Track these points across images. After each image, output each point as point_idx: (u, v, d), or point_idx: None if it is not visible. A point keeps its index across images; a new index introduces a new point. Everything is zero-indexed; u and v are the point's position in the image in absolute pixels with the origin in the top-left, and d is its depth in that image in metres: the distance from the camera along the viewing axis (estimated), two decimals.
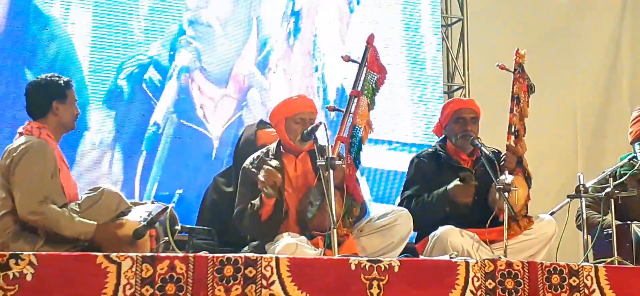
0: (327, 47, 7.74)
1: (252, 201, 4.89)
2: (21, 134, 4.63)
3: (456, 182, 5.19)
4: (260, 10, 7.55)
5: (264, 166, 4.84)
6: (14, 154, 4.48)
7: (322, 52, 7.71)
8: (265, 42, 7.54)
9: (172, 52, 7.25)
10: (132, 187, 6.99)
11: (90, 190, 4.68)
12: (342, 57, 5.14)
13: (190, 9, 7.35)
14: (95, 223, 4.44)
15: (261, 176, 4.79)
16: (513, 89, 5.29)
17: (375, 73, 4.94)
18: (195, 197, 6.58)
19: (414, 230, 5.18)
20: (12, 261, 3.55)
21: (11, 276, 3.54)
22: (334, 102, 7.48)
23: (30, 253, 3.62)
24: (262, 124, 5.88)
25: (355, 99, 4.92)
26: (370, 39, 5.00)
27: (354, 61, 5.00)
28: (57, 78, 4.73)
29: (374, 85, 4.95)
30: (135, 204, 4.78)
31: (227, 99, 7.35)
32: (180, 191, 6.93)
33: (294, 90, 7.43)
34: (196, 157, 7.20)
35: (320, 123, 4.79)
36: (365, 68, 4.94)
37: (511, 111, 5.28)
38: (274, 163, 4.87)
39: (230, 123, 7.33)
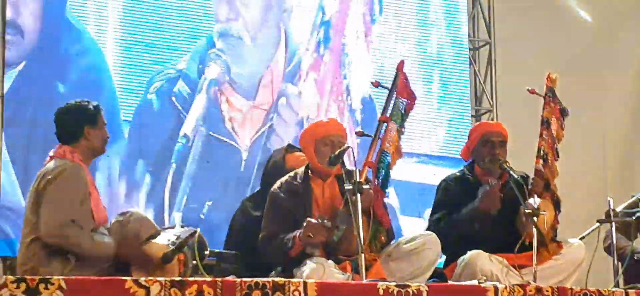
0: (354, 56, 7.74)
1: (284, 236, 4.86)
2: (52, 158, 4.64)
3: (481, 192, 5.19)
4: (289, 21, 7.57)
5: (314, 222, 4.74)
6: (49, 176, 4.49)
7: (350, 60, 7.72)
8: (295, 52, 7.56)
9: (201, 66, 7.27)
10: (162, 199, 7.03)
11: (119, 214, 4.70)
12: (371, 83, 5.19)
13: (220, 21, 7.39)
14: (114, 242, 4.45)
15: (306, 226, 4.74)
16: (543, 113, 5.28)
17: (404, 99, 4.95)
18: (224, 208, 6.66)
19: (443, 253, 5.15)
20: (41, 286, 3.56)
21: None
22: (361, 111, 7.50)
23: (60, 277, 3.64)
24: (290, 148, 5.88)
25: (385, 125, 4.92)
26: (400, 65, 5.01)
27: (384, 87, 5.01)
28: (86, 103, 4.75)
29: (403, 111, 4.96)
30: (164, 228, 4.79)
31: (255, 111, 7.38)
32: (209, 203, 6.99)
33: (324, 98, 7.46)
34: (225, 169, 7.23)
35: (349, 147, 4.79)
36: (394, 94, 4.94)
37: (541, 135, 5.26)
38: (328, 224, 4.77)
39: (260, 134, 7.35)
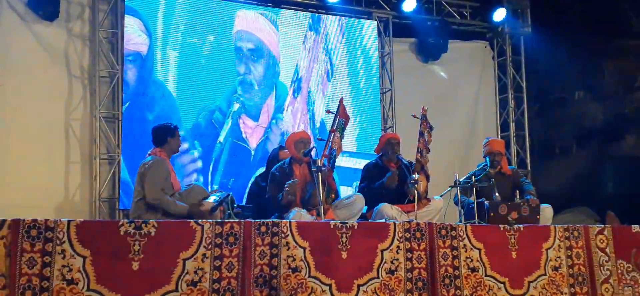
0: (316, 98, 7.70)
1: (278, 194, 4.88)
2: (150, 155, 4.65)
3: (387, 176, 5.20)
4: (278, 78, 7.54)
5: (290, 182, 4.81)
6: (147, 165, 4.50)
7: (313, 100, 7.68)
8: (280, 95, 7.51)
9: (228, 102, 7.22)
10: (207, 177, 6.99)
11: (186, 186, 4.71)
12: (326, 110, 5.20)
13: (240, 74, 7.32)
14: (187, 205, 4.44)
15: (287, 187, 4.77)
16: (420, 128, 5.31)
17: (343, 119, 4.97)
18: (242, 183, 6.74)
19: (366, 205, 5.19)
20: (143, 225, 3.57)
21: (143, 233, 3.55)
22: (318, 129, 7.49)
23: (153, 220, 3.63)
24: (281, 147, 5.88)
25: (332, 134, 4.94)
26: (341, 100, 5.05)
27: (332, 112, 5.03)
28: (170, 124, 4.76)
29: (343, 126, 4.97)
30: (211, 193, 4.78)
31: (258, 128, 7.33)
32: (233, 179, 6.98)
33: (297, 123, 7.45)
34: (242, 160, 7.18)
35: (314, 147, 4.81)
36: (338, 116, 4.96)
37: (418, 140, 5.29)
38: (296, 180, 4.84)
39: (261, 141, 7.30)
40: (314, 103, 7.67)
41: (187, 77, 7.08)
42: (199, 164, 7.00)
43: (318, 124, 7.60)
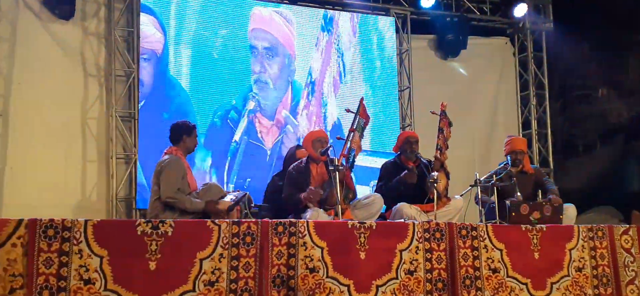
0: (328, 100, 7.68)
1: (295, 196, 4.87)
2: (166, 153, 4.67)
3: (405, 172, 5.19)
4: (294, 76, 7.51)
5: (313, 189, 4.79)
6: (163, 164, 4.53)
7: (326, 102, 7.65)
8: (296, 96, 7.49)
9: (244, 102, 7.20)
10: (223, 176, 6.97)
11: (204, 184, 4.72)
12: (346, 110, 5.19)
13: (255, 73, 7.31)
14: (203, 202, 4.46)
15: (310, 193, 4.75)
16: (439, 124, 5.29)
17: (363, 118, 4.95)
18: (259, 182, 6.65)
19: (384, 205, 5.17)
20: (160, 224, 3.59)
21: (160, 232, 3.57)
22: (330, 131, 7.46)
23: (170, 220, 3.65)
24: (298, 146, 5.88)
25: (352, 133, 4.93)
26: (361, 99, 5.03)
27: (351, 112, 5.02)
28: (188, 122, 4.78)
29: (362, 125, 4.96)
30: (228, 192, 4.80)
31: (274, 128, 7.31)
32: (249, 180, 6.98)
33: (312, 126, 7.41)
34: (258, 160, 7.17)
35: (331, 145, 4.80)
36: (358, 116, 4.95)
37: (438, 136, 5.27)
38: (321, 191, 4.81)
39: (276, 141, 7.28)
40: (327, 105, 7.65)
41: (203, 76, 7.08)
42: (214, 163, 7.00)
43: (330, 127, 7.56)
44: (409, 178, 5.17)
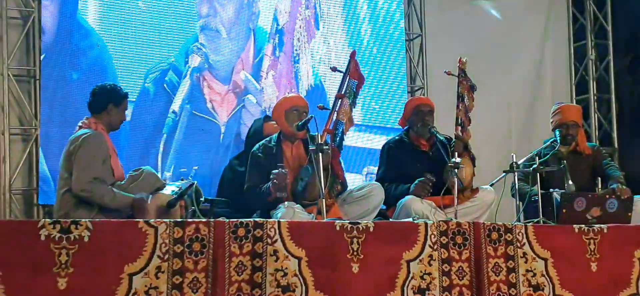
0: (301, 53, 7.62)
1: (262, 185, 4.88)
2: (81, 127, 4.64)
3: (417, 182, 5.20)
4: (257, 21, 7.41)
5: (277, 172, 4.77)
6: (76, 142, 4.50)
7: (297, 56, 7.58)
8: (260, 49, 7.43)
9: (186, 58, 7.12)
10: (155, 162, 6.87)
11: (133, 171, 4.71)
12: (330, 68, 5.20)
13: (202, 17, 7.22)
14: (132, 196, 4.45)
15: (274, 178, 4.75)
16: (458, 89, 5.31)
17: (355, 80, 4.96)
18: (209, 169, 6.67)
19: (383, 204, 5.19)
20: (72, 227, 3.57)
21: (72, 238, 3.55)
22: (306, 98, 7.41)
23: (87, 220, 3.64)
24: (267, 118, 5.90)
25: (340, 101, 4.94)
26: (352, 54, 5.04)
27: (339, 71, 5.03)
28: (119, 88, 4.75)
29: (354, 89, 4.97)
30: (167, 182, 4.80)
31: (230, 94, 7.24)
32: (196, 168, 6.95)
33: (281, 92, 7.33)
34: (208, 140, 7.09)
35: (312, 116, 4.80)
36: (348, 76, 4.95)
37: (457, 107, 5.29)
38: (285, 170, 4.81)
39: (234, 113, 7.22)
40: (299, 61, 7.57)
41: (126, 21, 6.93)
42: (144, 143, 6.89)
43: (305, 91, 7.50)
44: (419, 193, 5.15)
